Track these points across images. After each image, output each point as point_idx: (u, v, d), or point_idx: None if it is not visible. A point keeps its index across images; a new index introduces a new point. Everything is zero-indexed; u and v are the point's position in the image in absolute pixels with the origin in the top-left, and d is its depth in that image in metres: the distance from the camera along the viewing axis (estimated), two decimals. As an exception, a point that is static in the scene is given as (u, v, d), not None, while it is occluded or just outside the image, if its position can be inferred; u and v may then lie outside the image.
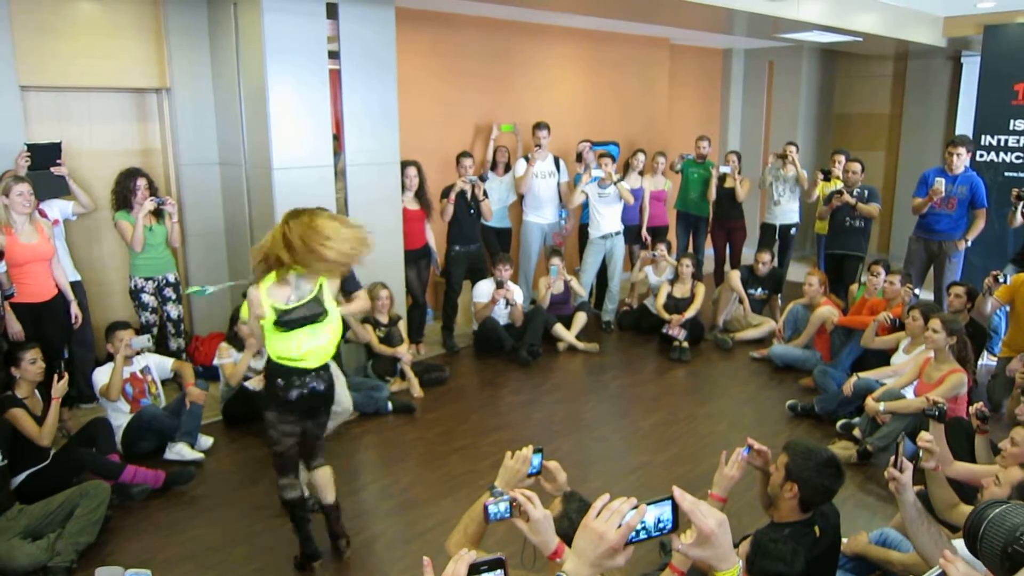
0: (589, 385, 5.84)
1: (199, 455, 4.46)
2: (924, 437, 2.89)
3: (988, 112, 7.71)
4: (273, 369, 3.19)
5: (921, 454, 2.87)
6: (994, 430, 4.34)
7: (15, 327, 4.29)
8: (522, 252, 7.21)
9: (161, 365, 4.74)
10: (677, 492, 1.40)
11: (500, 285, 6.17)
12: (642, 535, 1.40)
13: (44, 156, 4.76)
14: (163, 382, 4.77)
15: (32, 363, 3.86)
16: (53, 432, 3.87)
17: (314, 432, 3.37)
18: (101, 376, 4.43)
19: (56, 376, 3.96)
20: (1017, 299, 5.15)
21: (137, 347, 4.51)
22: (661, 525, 1.41)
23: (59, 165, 4.83)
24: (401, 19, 5.81)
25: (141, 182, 5.01)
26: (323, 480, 3.41)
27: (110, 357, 4.51)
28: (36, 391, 3.95)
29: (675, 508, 1.41)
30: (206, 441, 4.67)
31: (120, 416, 4.43)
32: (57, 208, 4.90)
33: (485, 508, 1.80)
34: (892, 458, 2.58)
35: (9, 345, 4.10)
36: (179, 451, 4.43)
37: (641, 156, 7.42)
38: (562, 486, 2.27)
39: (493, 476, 4.37)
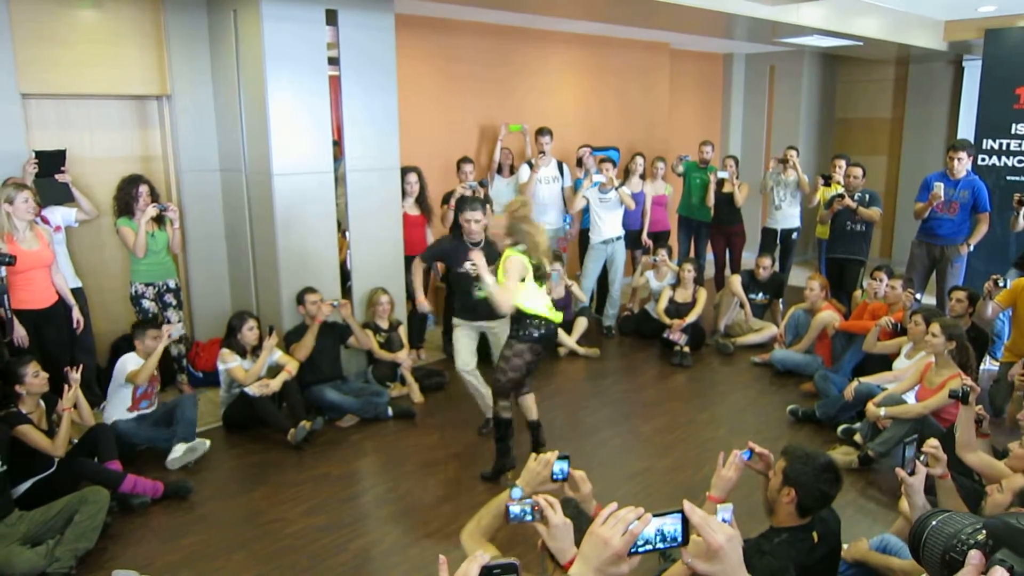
0: (590, 390, 5.83)
1: (201, 442, 4.48)
2: (931, 444, 2.86)
3: (990, 116, 7.71)
4: (523, 316, 4.14)
5: (925, 459, 2.84)
6: (996, 435, 4.33)
7: (20, 332, 4.30)
8: (526, 257, 7.19)
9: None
10: (687, 506, 1.40)
11: None
12: (649, 546, 1.40)
13: (49, 163, 4.79)
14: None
15: (35, 376, 3.84)
16: (66, 443, 3.87)
17: (536, 365, 4.35)
18: (131, 362, 4.50)
19: (66, 385, 3.97)
20: (1019, 303, 5.12)
21: (176, 335, 4.82)
22: (670, 538, 1.41)
23: (63, 172, 4.85)
24: (401, 25, 5.82)
25: (143, 188, 5.03)
26: (530, 403, 4.51)
27: (111, 363, 4.56)
28: (41, 400, 3.95)
29: (685, 522, 1.41)
30: (203, 444, 4.68)
31: (116, 412, 4.48)
32: (60, 215, 4.92)
33: (507, 508, 1.81)
34: (902, 459, 2.58)
35: (8, 361, 4.09)
36: (178, 451, 4.41)
37: (640, 160, 7.43)
38: (587, 496, 2.26)
39: (493, 481, 4.39)
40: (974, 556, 1.39)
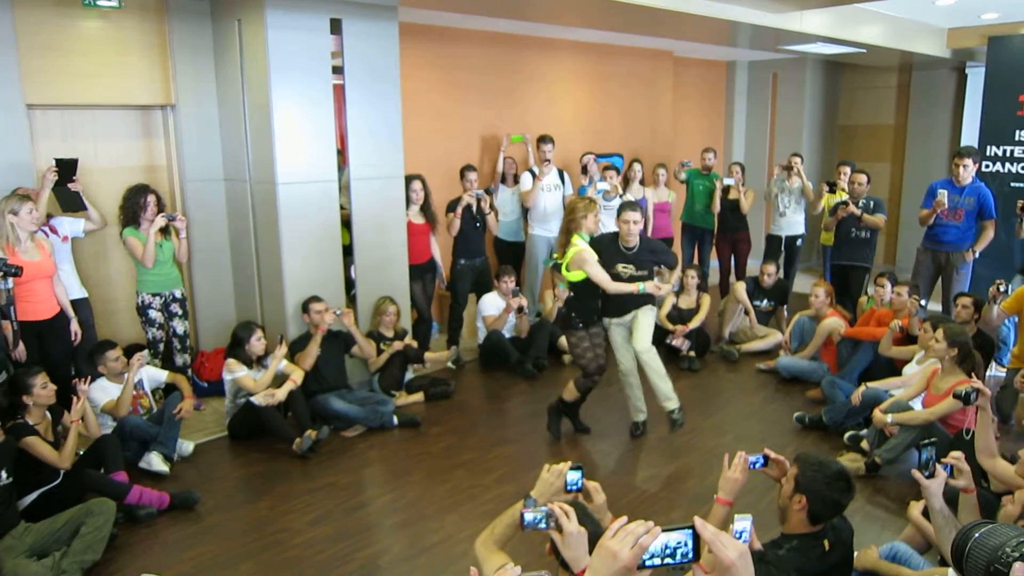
0: (594, 397, 5.79)
1: (165, 469, 4.43)
2: (955, 455, 2.83)
3: (993, 123, 7.71)
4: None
5: (949, 469, 2.81)
6: (1005, 441, 4.31)
7: (20, 346, 4.29)
8: (528, 265, 7.20)
9: (155, 377, 4.84)
10: (698, 522, 1.40)
11: (516, 294, 6.33)
12: (657, 560, 1.40)
13: (64, 172, 4.79)
14: (154, 391, 4.88)
15: (43, 388, 3.83)
16: (72, 455, 3.85)
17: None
18: (101, 393, 4.48)
19: (74, 397, 3.97)
20: (1024, 310, 5.12)
21: (144, 362, 4.64)
22: (681, 553, 1.41)
23: (74, 181, 4.85)
24: (405, 34, 5.84)
25: (151, 198, 5.04)
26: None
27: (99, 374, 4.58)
28: (47, 411, 3.95)
29: (696, 538, 1.40)
30: (187, 447, 4.72)
31: (105, 429, 4.46)
32: (67, 225, 4.92)
33: (522, 516, 1.81)
34: (918, 461, 2.57)
35: (15, 372, 4.09)
36: (149, 460, 4.44)
37: (638, 167, 7.44)
38: (601, 507, 2.25)
39: (499, 490, 4.40)
40: (1019, 569, 1.39)
